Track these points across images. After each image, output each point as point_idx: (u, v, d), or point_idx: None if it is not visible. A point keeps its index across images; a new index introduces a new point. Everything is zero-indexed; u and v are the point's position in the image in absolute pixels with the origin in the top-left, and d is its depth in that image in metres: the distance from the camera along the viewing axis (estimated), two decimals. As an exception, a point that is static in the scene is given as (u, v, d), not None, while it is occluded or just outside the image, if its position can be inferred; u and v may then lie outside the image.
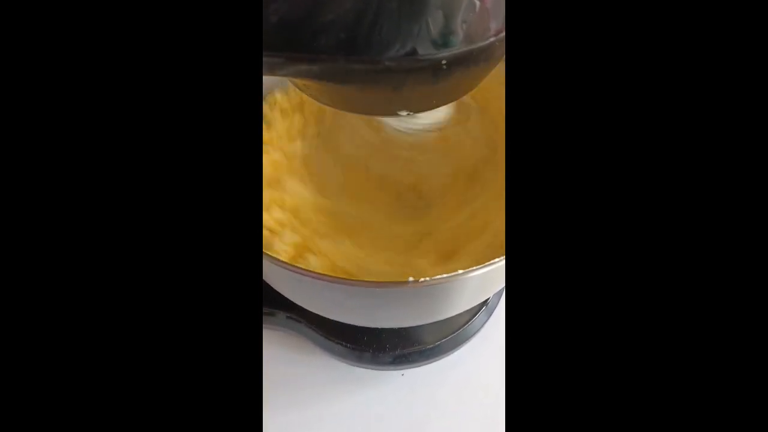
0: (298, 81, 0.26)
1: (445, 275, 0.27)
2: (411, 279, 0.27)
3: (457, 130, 0.41)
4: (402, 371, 0.42)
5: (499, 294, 0.45)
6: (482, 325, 0.44)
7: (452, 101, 0.27)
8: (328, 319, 0.35)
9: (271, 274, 0.31)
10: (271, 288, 0.34)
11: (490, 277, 0.29)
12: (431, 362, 0.42)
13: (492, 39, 0.22)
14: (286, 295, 0.34)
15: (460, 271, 0.27)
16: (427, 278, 0.27)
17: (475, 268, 0.27)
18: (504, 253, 0.27)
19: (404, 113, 0.26)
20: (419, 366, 0.42)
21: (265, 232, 0.36)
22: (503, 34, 0.22)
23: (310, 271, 0.28)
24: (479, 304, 0.44)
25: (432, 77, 0.23)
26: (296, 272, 0.28)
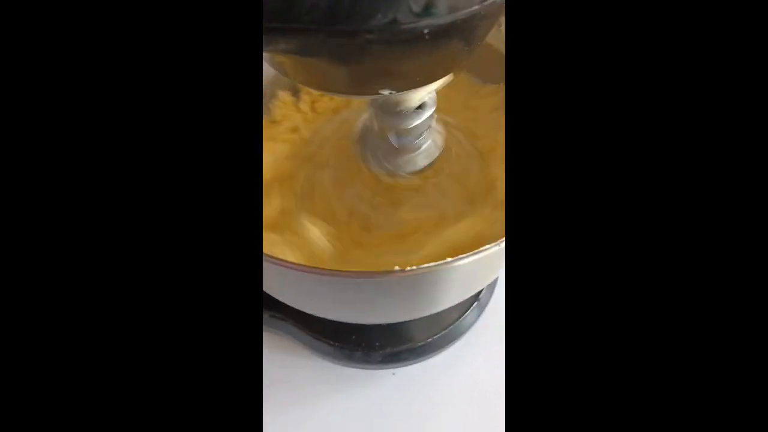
0: (274, 58, 0.24)
1: (432, 263, 0.26)
2: (397, 268, 0.25)
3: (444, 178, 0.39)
4: (393, 370, 0.41)
5: (490, 289, 0.44)
6: (474, 322, 0.42)
7: (438, 78, 0.26)
8: (314, 316, 0.34)
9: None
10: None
11: (480, 265, 0.28)
12: (423, 360, 0.41)
13: (476, 7, 0.21)
14: (268, 291, 0.33)
15: (449, 259, 0.26)
16: (414, 267, 0.25)
17: (463, 255, 0.26)
18: (490, 241, 0.26)
19: (386, 92, 0.25)
20: (411, 364, 0.41)
21: None
22: (490, 1, 0.21)
23: (292, 263, 0.27)
24: (470, 300, 0.42)
25: (414, 49, 0.21)
26: (276, 264, 0.27)
